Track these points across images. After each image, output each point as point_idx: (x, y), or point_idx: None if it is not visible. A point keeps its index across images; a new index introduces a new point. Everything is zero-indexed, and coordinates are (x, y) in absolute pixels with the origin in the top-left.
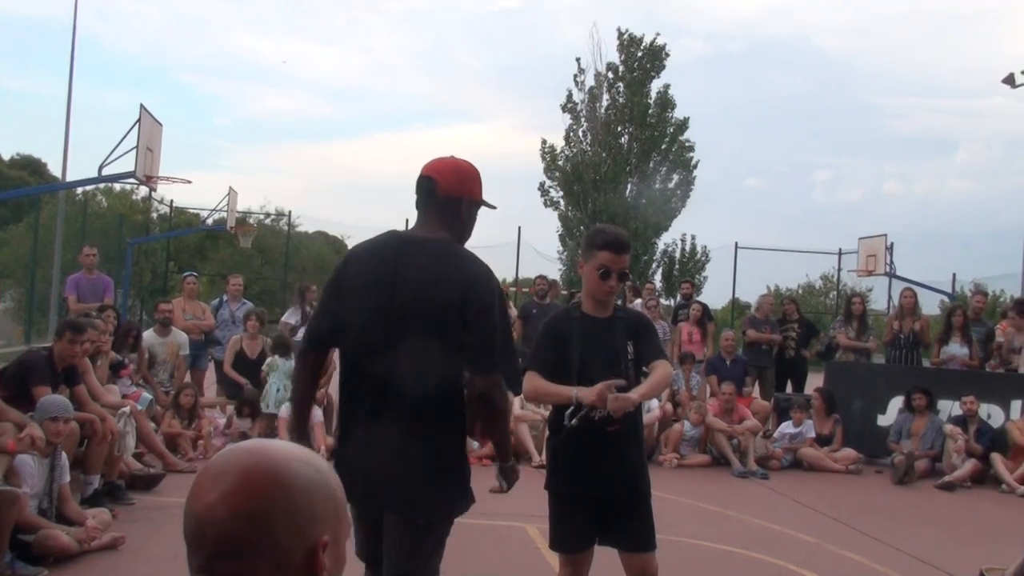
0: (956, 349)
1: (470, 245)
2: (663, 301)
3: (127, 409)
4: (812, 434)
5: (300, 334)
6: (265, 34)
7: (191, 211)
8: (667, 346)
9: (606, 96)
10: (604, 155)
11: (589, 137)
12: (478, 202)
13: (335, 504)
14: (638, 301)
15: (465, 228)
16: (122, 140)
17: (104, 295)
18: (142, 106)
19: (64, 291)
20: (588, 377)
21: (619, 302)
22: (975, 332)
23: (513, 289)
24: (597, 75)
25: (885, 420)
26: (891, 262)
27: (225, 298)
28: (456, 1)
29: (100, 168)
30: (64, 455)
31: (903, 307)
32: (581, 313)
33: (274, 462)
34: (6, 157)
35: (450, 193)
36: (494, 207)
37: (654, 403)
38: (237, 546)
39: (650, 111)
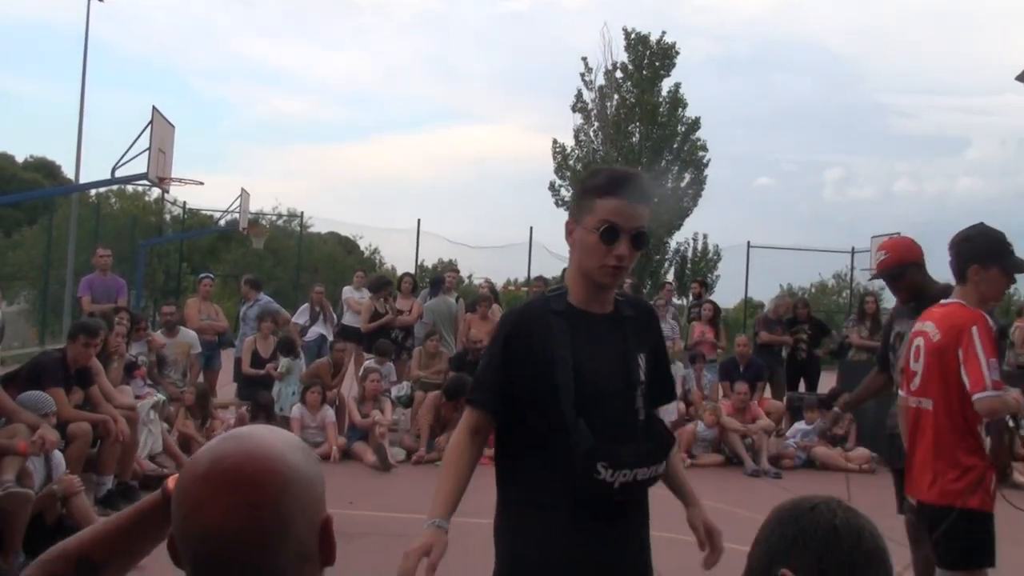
0: None
1: (477, 244)
2: (675, 301)
3: (153, 401)
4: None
5: (309, 334)
6: (275, 38)
7: (204, 212)
8: (677, 345)
9: (616, 95)
10: (615, 154)
11: (600, 136)
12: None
13: (323, 480)
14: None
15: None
16: (135, 142)
17: (117, 296)
18: (155, 108)
19: (78, 291)
20: (588, 411)
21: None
22: None
23: (525, 289)
24: (607, 73)
25: None
26: None
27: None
28: (464, 4)
29: (113, 170)
30: (58, 452)
31: None
32: (566, 305)
33: (272, 457)
34: (20, 160)
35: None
36: None
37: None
38: (261, 551)
39: (661, 109)
